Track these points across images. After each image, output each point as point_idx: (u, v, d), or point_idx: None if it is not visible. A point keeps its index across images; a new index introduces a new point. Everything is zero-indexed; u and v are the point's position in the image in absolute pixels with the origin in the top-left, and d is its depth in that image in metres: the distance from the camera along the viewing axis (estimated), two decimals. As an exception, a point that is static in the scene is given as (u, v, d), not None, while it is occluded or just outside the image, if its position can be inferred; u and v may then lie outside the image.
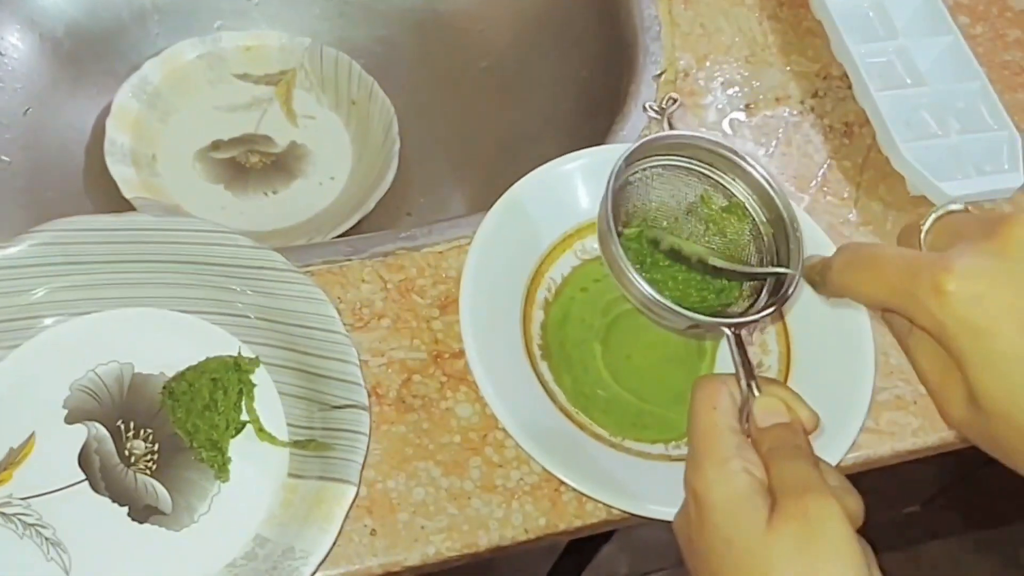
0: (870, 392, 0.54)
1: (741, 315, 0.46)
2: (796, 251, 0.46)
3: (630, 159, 0.46)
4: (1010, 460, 0.36)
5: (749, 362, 0.41)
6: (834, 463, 0.51)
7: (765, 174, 0.47)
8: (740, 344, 0.42)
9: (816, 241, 0.57)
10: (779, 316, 0.57)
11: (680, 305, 0.44)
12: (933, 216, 0.39)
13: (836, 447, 0.52)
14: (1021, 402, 0.34)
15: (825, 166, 0.65)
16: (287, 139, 0.79)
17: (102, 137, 0.74)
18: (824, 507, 0.35)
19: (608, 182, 0.45)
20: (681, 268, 0.49)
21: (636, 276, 0.44)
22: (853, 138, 0.66)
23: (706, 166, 0.48)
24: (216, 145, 0.78)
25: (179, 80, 0.79)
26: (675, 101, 0.49)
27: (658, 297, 0.43)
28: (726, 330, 0.43)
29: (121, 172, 0.73)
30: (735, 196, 0.48)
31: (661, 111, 0.49)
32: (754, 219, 0.48)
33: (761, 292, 0.47)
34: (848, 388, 0.54)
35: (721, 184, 0.48)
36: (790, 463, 0.37)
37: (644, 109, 0.52)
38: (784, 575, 0.34)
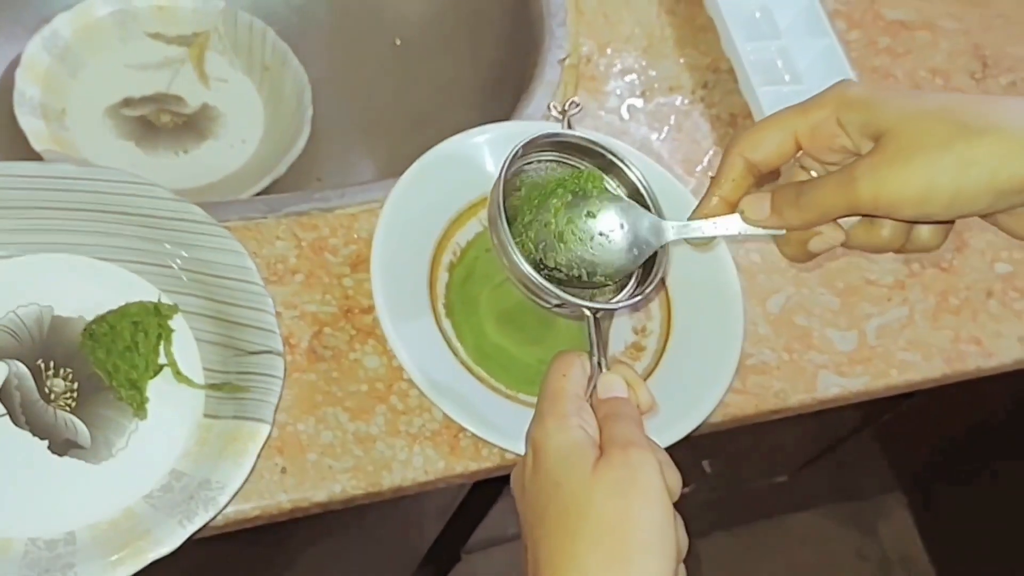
0: (738, 357, 0.60)
1: (604, 302, 0.51)
2: (662, 256, 0.50)
3: (527, 148, 0.50)
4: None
5: (603, 342, 0.47)
6: (703, 418, 0.57)
7: (643, 182, 0.51)
8: (597, 326, 0.48)
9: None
10: (663, 288, 0.62)
11: (553, 284, 0.48)
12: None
13: (706, 403, 0.58)
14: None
15: (711, 152, 0.71)
16: (199, 100, 0.80)
17: (11, 88, 0.74)
18: (643, 458, 0.40)
19: (502, 168, 0.48)
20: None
21: (516, 253, 0.48)
22: (737, 128, 0.72)
23: (593, 166, 0.52)
24: (127, 102, 0.79)
25: (90, 36, 0.79)
26: (577, 105, 0.54)
27: (532, 274, 0.48)
28: (587, 312, 0.48)
29: (30, 124, 0.74)
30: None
31: (563, 113, 0.53)
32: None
33: (627, 285, 0.52)
34: (719, 352, 0.60)
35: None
36: (620, 424, 0.42)
37: (548, 109, 0.55)
38: (602, 514, 0.39)
